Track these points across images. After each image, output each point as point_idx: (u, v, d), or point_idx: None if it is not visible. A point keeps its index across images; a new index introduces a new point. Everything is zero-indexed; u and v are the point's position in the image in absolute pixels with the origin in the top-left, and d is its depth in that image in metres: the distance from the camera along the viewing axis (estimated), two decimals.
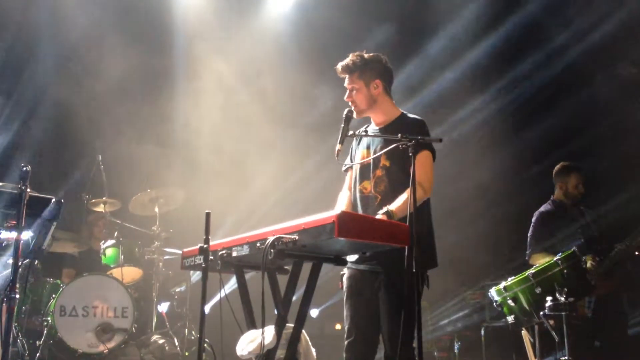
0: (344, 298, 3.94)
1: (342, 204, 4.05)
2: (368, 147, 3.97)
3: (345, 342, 3.85)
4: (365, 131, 3.99)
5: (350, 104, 3.96)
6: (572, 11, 7.55)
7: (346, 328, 3.88)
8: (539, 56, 8.01)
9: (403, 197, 3.61)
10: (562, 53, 7.82)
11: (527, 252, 5.60)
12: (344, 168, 4.18)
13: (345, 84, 3.98)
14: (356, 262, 3.80)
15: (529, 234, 5.67)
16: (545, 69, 7.97)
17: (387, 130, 3.88)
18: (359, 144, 4.07)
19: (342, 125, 3.83)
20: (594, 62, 7.56)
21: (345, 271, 3.94)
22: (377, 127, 3.99)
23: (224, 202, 7.83)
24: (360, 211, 3.88)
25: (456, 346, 7.72)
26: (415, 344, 3.36)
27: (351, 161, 4.10)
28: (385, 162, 3.84)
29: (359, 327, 3.83)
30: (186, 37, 8.44)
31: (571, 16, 7.58)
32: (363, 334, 3.82)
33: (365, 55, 3.96)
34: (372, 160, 3.88)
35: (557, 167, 5.77)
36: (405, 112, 4.02)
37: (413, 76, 8.14)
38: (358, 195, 3.94)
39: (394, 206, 3.58)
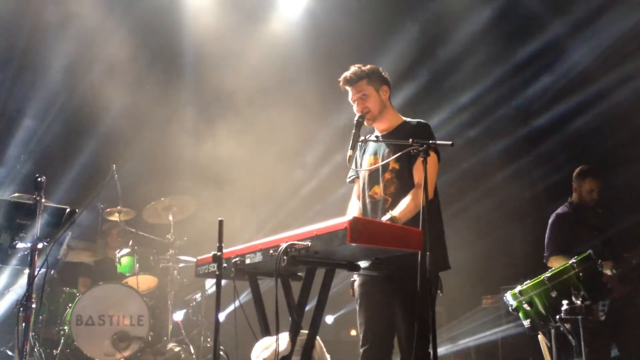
0: (357, 306, 3.94)
1: (353, 212, 4.07)
2: (375, 154, 4.00)
3: (361, 350, 3.85)
4: (377, 137, 3.99)
5: (359, 112, 3.95)
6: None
7: (361, 336, 3.88)
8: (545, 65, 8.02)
9: (406, 201, 3.67)
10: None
11: (545, 254, 5.57)
12: (348, 180, 4.21)
13: (352, 95, 3.99)
14: (367, 268, 3.80)
15: (546, 237, 5.64)
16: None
17: (393, 137, 3.92)
18: (363, 152, 4.10)
19: (354, 131, 3.84)
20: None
21: (356, 278, 3.94)
22: (381, 134, 4.01)
23: (239, 210, 7.86)
24: (370, 216, 3.89)
25: (473, 351, 7.69)
26: (430, 349, 3.34)
27: (357, 169, 4.11)
28: (395, 164, 3.86)
29: (374, 334, 3.82)
30: (197, 46, 8.48)
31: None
32: (378, 341, 3.81)
33: (365, 67, 4.01)
34: (380, 165, 3.90)
35: (577, 169, 5.74)
36: (406, 119, 4.05)
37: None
38: (368, 201, 3.96)
39: (397, 212, 3.60)
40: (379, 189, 3.92)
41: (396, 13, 8.28)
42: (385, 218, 3.55)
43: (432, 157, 3.74)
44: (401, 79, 7.85)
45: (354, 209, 4.10)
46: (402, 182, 3.83)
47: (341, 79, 4.00)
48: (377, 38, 8.17)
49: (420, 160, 3.49)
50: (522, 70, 8.15)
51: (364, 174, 4.04)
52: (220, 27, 8.43)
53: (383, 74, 4.05)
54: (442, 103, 8.31)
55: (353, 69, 3.99)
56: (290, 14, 8.68)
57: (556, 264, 5.17)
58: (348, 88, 4.00)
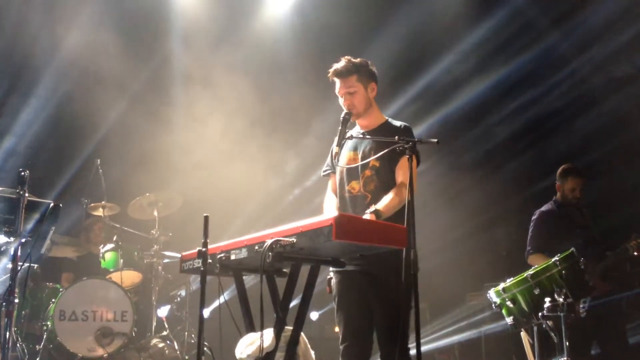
0: (335, 303, 3.95)
1: (331, 207, 4.06)
2: (355, 149, 4.01)
3: (341, 347, 3.86)
4: (363, 134, 4.00)
5: (345, 107, 3.97)
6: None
7: (340, 333, 3.89)
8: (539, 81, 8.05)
9: (389, 197, 3.69)
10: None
11: (527, 250, 5.62)
12: (323, 173, 4.23)
13: (339, 87, 3.99)
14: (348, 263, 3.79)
15: (529, 233, 5.69)
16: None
17: (374, 134, 3.93)
18: (342, 147, 4.07)
19: (340, 127, 3.85)
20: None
21: (333, 275, 3.96)
22: (363, 131, 4.03)
23: (225, 206, 7.84)
24: (349, 212, 3.91)
25: (456, 348, 7.72)
26: (410, 345, 3.36)
27: (332, 164, 4.12)
28: (375, 162, 3.88)
29: (354, 331, 3.84)
30: (184, 41, 8.45)
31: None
32: (358, 337, 3.82)
33: (355, 60, 4.00)
34: (360, 161, 3.92)
35: (560, 168, 5.80)
36: (389, 119, 4.07)
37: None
38: (347, 195, 3.97)
39: (381, 205, 3.63)
40: (357, 185, 3.94)
41: (385, 9, 8.28)
42: (369, 211, 3.57)
43: (413, 158, 3.77)
44: (389, 77, 7.87)
45: (331, 204, 4.09)
46: (382, 180, 3.86)
47: (331, 70, 3.99)
48: (366, 35, 8.17)
49: (404, 158, 3.52)
50: (513, 75, 8.16)
51: (341, 169, 4.03)
52: (208, 23, 8.40)
53: (372, 69, 4.04)
54: (431, 103, 8.32)
55: (344, 62, 3.98)
56: (278, 10, 8.65)
57: (536, 261, 5.22)
58: (337, 80, 3.99)
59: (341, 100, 4.01)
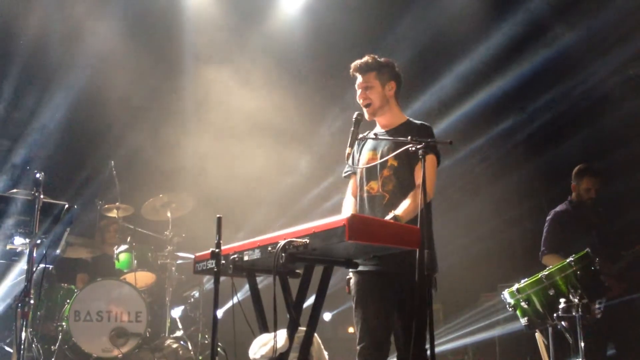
0: (353, 303, 3.94)
1: (348, 208, 4.08)
2: (374, 149, 4.02)
3: (358, 348, 3.85)
4: (375, 134, 4.00)
5: (361, 103, 4.01)
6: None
7: (358, 333, 3.88)
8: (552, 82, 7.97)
9: (407, 201, 3.69)
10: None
11: (541, 250, 5.60)
12: (344, 175, 4.23)
13: (358, 83, 4.04)
14: (364, 264, 3.79)
15: (543, 234, 5.66)
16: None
17: (394, 134, 3.94)
18: (362, 148, 4.11)
19: (352, 128, 3.86)
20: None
21: (352, 276, 3.96)
22: (383, 130, 4.05)
23: (238, 207, 7.86)
24: (367, 212, 3.91)
25: (470, 349, 7.69)
26: (427, 347, 3.35)
27: (353, 165, 4.13)
28: (393, 162, 3.89)
29: (371, 331, 3.82)
30: (196, 41, 8.47)
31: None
32: (375, 338, 3.81)
33: (380, 59, 4.06)
34: (379, 162, 3.92)
35: (576, 168, 5.76)
36: (410, 118, 4.08)
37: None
38: (365, 196, 3.98)
39: (400, 211, 3.63)
40: (376, 185, 3.94)
41: (396, 9, 8.26)
42: (388, 217, 3.56)
43: (432, 159, 3.77)
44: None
45: (349, 206, 4.11)
46: (400, 180, 3.86)
47: (352, 65, 4.05)
48: (377, 35, 8.15)
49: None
50: (526, 76, 8.09)
51: (361, 169, 4.05)
52: (220, 23, 8.42)
53: (395, 69, 4.08)
54: (442, 105, 8.28)
55: (366, 58, 4.04)
56: (290, 10, 8.66)
57: (550, 262, 5.20)
58: (357, 75, 4.05)
59: (357, 94, 4.05)
